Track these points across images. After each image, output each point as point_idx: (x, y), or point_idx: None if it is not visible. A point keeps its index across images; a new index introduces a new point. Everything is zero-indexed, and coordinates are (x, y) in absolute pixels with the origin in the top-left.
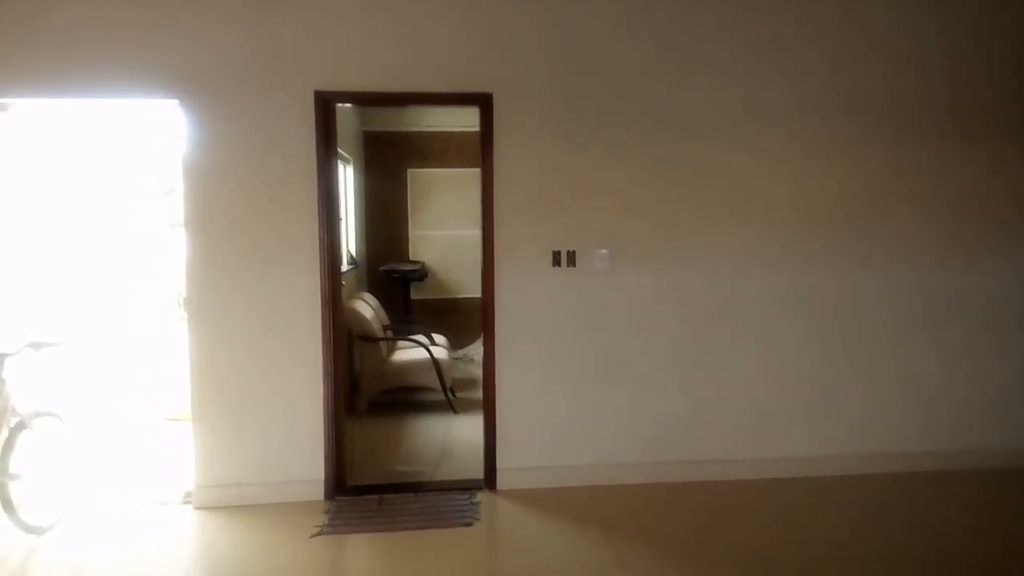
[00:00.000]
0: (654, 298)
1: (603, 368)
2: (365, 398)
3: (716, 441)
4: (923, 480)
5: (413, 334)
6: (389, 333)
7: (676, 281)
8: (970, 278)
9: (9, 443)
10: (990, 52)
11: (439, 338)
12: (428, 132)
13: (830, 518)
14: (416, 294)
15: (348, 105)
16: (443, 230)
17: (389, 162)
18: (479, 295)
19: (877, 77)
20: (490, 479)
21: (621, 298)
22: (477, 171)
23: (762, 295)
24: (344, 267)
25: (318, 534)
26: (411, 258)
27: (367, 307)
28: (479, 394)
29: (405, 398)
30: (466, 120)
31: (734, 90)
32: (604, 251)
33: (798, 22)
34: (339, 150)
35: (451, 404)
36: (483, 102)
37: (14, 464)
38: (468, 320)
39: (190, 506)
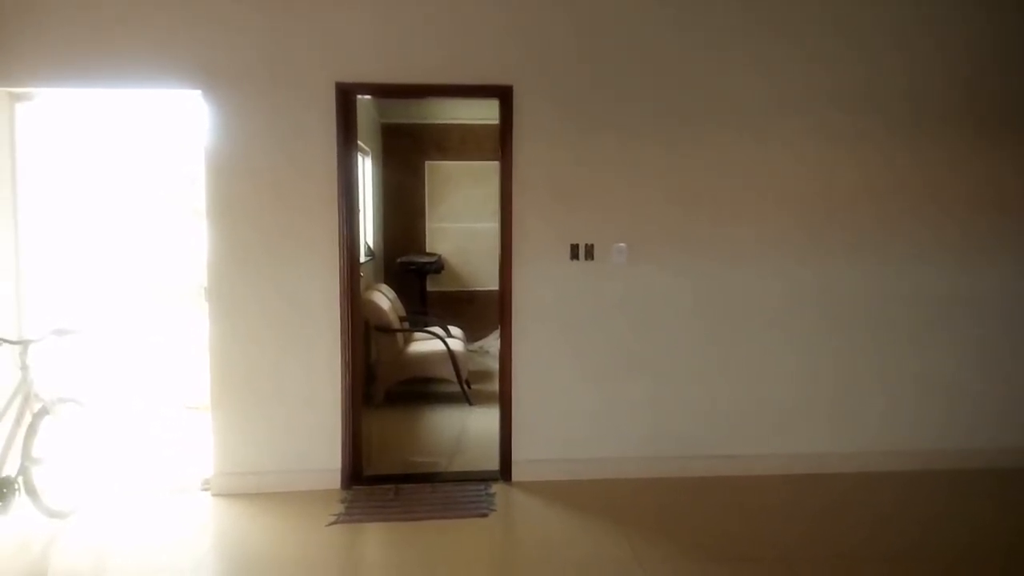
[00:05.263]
0: (673, 293)
1: (620, 362)
2: (381, 389)
3: (735, 436)
4: (942, 478)
5: (429, 326)
6: (405, 325)
7: (696, 276)
8: (990, 276)
9: (32, 429)
10: (1014, 48)
11: (455, 330)
12: (446, 124)
13: (850, 515)
14: (432, 286)
15: (367, 97)
16: (460, 223)
17: (407, 154)
18: (495, 288)
19: (901, 72)
20: (505, 471)
21: (639, 292)
22: (495, 164)
23: (783, 290)
24: (362, 259)
25: (335, 522)
26: (428, 250)
27: (384, 298)
28: (494, 387)
29: (421, 389)
30: (485, 112)
31: (758, 82)
32: (622, 245)
33: (823, 14)
34: (358, 142)
35: (467, 396)
36: (503, 94)
37: (37, 449)
38: (484, 313)
39: (208, 493)
